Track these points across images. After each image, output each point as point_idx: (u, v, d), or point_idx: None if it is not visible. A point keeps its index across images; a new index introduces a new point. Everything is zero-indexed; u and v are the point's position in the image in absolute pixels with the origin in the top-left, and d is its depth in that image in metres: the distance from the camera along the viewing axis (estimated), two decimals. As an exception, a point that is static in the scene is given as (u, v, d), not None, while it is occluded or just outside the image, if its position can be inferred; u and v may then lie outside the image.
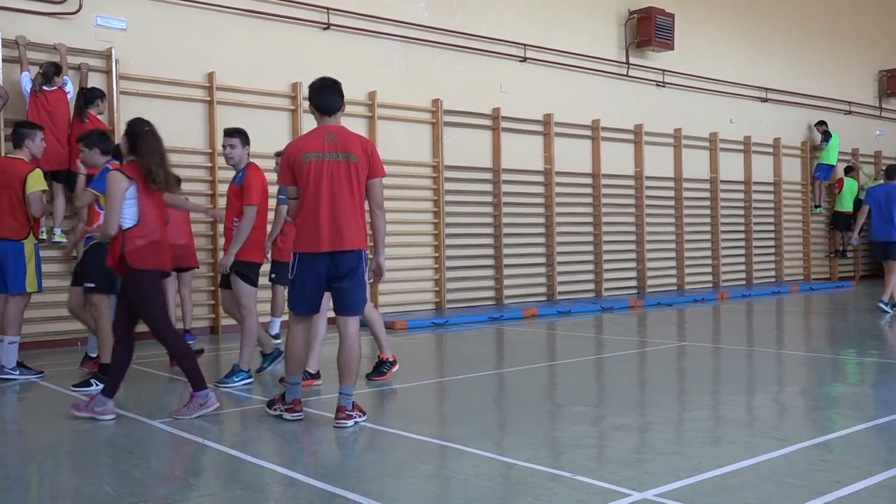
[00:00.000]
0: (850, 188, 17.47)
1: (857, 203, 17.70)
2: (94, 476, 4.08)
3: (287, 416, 5.16)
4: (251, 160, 6.62)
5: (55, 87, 8.50)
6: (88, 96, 8.67)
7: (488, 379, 6.92)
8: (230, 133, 6.56)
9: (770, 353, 8.15)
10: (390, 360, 6.61)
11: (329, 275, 5.00)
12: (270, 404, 5.35)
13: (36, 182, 6.84)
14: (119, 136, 9.21)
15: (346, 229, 4.95)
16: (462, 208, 12.29)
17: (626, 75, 14.45)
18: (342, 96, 5.15)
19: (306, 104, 10.52)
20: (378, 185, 5.12)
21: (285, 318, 8.69)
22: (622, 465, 4.05)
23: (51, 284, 8.85)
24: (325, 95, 5.09)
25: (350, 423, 4.97)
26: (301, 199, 5.00)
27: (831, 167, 17.44)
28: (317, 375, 6.39)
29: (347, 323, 5.07)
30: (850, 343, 8.86)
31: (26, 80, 8.46)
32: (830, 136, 17.33)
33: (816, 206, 17.59)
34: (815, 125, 17.56)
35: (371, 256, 5.28)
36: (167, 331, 5.37)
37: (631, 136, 14.53)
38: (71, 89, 8.64)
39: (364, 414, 5.09)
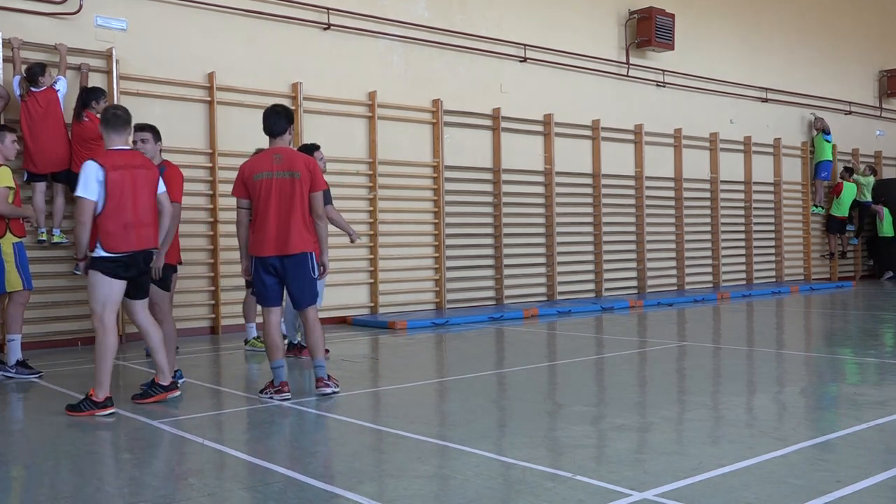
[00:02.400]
0: (848, 192, 17.43)
1: (855, 205, 17.73)
2: (94, 476, 4.08)
3: (276, 397, 5.76)
4: (165, 157, 6.58)
5: (43, 88, 8.45)
6: (85, 97, 8.64)
7: (488, 379, 6.92)
8: (142, 128, 6.43)
9: (770, 353, 8.14)
10: (164, 384, 5.82)
11: (280, 273, 5.83)
12: (262, 391, 5.91)
13: (1, 179, 6.83)
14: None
15: (291, 236, 5.76)
16: (462, 208, 12.29)
17: (627, 75, 14.46)
18: (289, 121, 5.95)
19: (307, 104, 10.65)
20: (318, 198, 5.90)
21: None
22: (622, 465, 4.05)
23: (52, 285, 8.86)
24: (271, 120, 5.92)
25: (329, 389, 5.85)
26: (254, 211, 5.84)
27: (830, 163, 17.45)
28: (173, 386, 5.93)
29: (306, 313, 5.97)
30: (850, 343, 8.86)
31: (17, 83, 8.43)
32: (829, 130, 17.32)
33: (816, 206, 17.57)
34: (813, 120, 17.54)
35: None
36: None
37: (631, 136, 14.53)
38: (62, 87, 8.59)
39: (336, 382, 5.98)
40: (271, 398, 5.77)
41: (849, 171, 17.64)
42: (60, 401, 6.11)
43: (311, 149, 7.81)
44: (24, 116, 8.38)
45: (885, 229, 17.89)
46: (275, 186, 5.74)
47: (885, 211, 17.82)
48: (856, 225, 18.09)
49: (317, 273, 5.96)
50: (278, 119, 5.90)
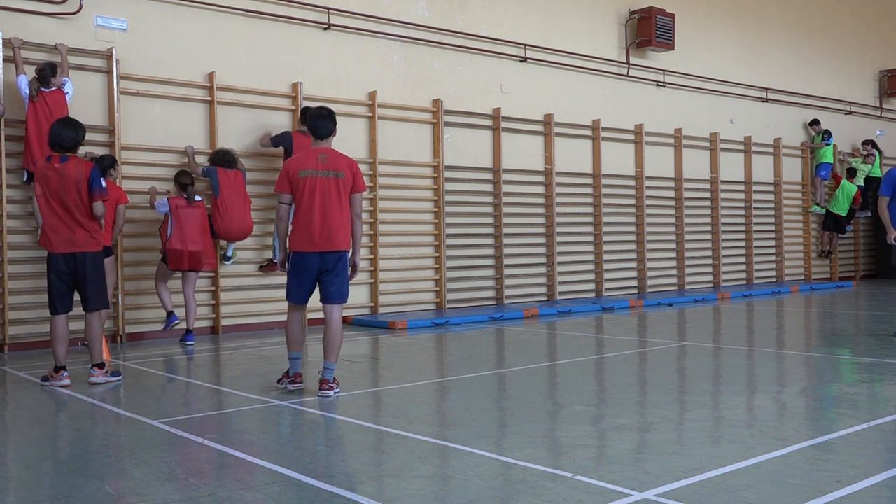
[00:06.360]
0: (844, 190, 17.38)
1: (851, 207, 17.72)
2: (94, 476, 4.08)
3: (290, 387, 6.14)
4: None
5: (53, 89, 8.44)
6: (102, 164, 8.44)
7: (488, 379, 6.92)
8: None
9: (770, 353, 8.15)
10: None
11: (319, 269, 6.01)
12: (279, 381, 6.27)
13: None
14: (120, 137, 9.25)
15: (335, 233, 5.98)
16: (462, 208, 12.29)
17: (627, 75, 14.46)
18: (335, 123, 6.21)
19: (307, 104, 10.63)
20: (358, 199, 6.14)
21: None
22: (622, 465, 4.05)
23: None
24: (320, 123, 6.15)
25: (332, 393, 5.92)
26: (297, 207, 6.02)
27: (830, 165, 17.46)
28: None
29: (332, 309, 6.09)
30: (850, 343, 8.86)
31: (23, 83, 8.42)
32: (831, 134, 17.35)
33: (816, 205, 17.55)
34: (810, 124, 17.56)
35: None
36: None
37: (631, 136, 14.53)
38: (70, 90, 8.60)
39: (339, 385, 6.07)
40: (286, 386, 6.16)
41: (851, 173, 17.62)
42: (60, 401, 6.12)
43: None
44: (31, 116, 8.35)
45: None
46: (319, 185, 5.95)
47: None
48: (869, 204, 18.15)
49: (348, 273, 6.15)
50: (326, 123, 6.16)
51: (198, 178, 9.54)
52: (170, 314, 9.06)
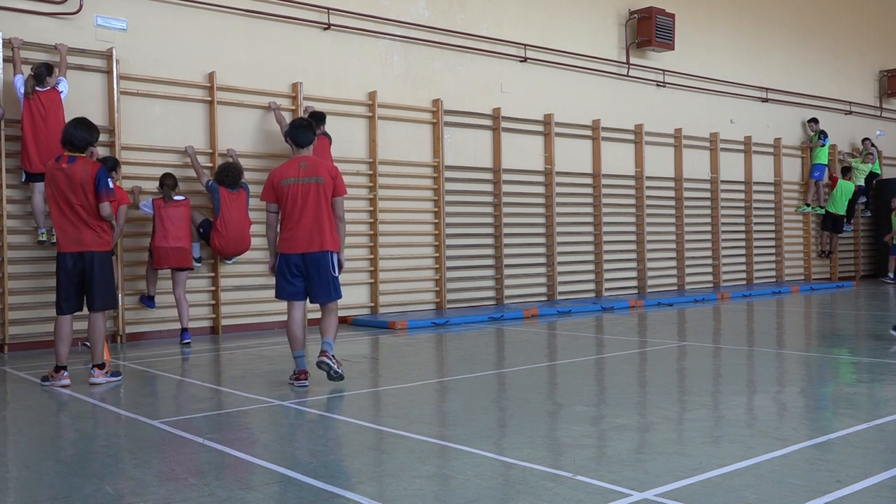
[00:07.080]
0: (842, 189, 17.37)
1: (850, 205, 17.72)
2: (94, 476, 4.08)
3: (295, 384, 6.35)
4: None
5: (48, 88, 8.43)
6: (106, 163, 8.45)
7: (488, 379, 6.92)
8: None
9: (770, 353, 8.15)
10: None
11: (301, 269, 6.32)
12: (289, 378, 6.52)
13: None
14: (120, 137, 9.25)
15: (316, 235, 6.30)
16: (462, 208, 12.29)
17: (627, 75, 14.46)
18: (314, 132, 6.58)
19: (306, 104, 10.64)
20: (340, 202, 6.46)
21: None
22: (622, 465, 4.05)
23: (51, 285, 8.84)
24: (300, 133, 6.48)
25: (332, 363, 6.22)
26: (282, 213, 6.39)
27: (825, 166, 17.45)
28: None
29: (326, 304, 6.43)
30: (850, 343, 8.86)
31: (19, 82, 8.42)
32: (826, 135, 17.35)
33: (807, 205, 17.51)
34: (808, 122, 17.56)
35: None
36: None
37: (631, 136, 14.53)
38: (65, 89, 8.59)
39: (341, 365, 6.34)
40: (292, 384, 6.37)
41: (846, 171, 17.62)
42: (60, 401, 6.12)
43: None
44: (26, 116, 8.35)
45: None
46: (301, 191, 6.28)
47: None
48: (870, 198, 18.12)
49: (337, 271, 6.44)
50: (306, 133, 6.48)
51: (194, 179, 9.53)
52: (151, 297, 9.27)
